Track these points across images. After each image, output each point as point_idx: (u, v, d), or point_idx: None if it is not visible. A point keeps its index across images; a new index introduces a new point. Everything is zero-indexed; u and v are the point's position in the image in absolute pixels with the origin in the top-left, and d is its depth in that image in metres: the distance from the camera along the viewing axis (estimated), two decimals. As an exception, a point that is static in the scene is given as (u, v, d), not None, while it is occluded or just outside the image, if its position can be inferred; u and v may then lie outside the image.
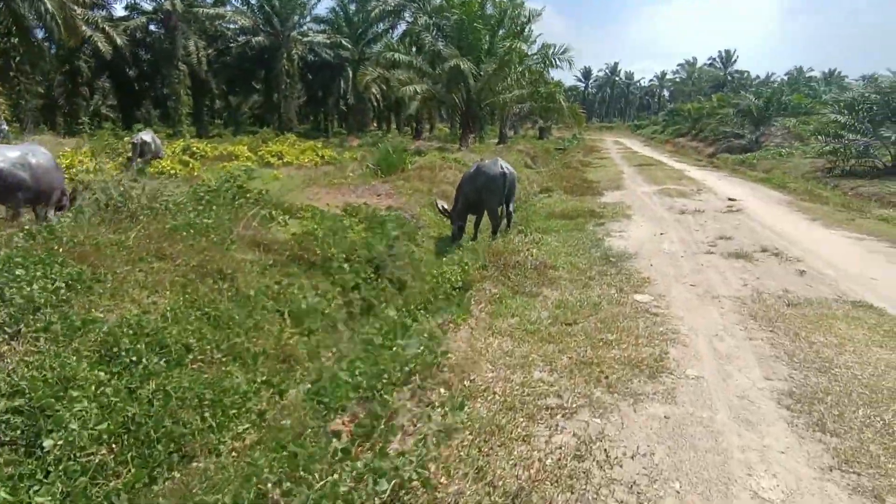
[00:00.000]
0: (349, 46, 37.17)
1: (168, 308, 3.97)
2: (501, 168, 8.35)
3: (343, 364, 3.46)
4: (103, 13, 31.01)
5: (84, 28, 26.36)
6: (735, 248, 7.57)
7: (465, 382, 3.63)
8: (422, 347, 3.81)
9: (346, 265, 6.12)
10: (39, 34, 20.94)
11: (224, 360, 3.82)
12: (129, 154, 14.45)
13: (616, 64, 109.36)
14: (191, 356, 3.66)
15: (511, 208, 8.89)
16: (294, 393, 3.70)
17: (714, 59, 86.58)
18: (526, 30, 24.65)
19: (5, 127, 19.68)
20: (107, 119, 44.73)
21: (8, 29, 23.15)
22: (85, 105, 33.85)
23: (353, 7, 37.17)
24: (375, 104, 49.00)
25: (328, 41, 37.96)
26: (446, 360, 3.78)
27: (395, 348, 3.75)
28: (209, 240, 5.33)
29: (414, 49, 24.87)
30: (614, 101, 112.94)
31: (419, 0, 27.96)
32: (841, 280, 6.16)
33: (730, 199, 12.08)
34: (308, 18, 38.12)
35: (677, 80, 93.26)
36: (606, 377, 3.79)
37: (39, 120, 30.22)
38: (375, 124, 56.46)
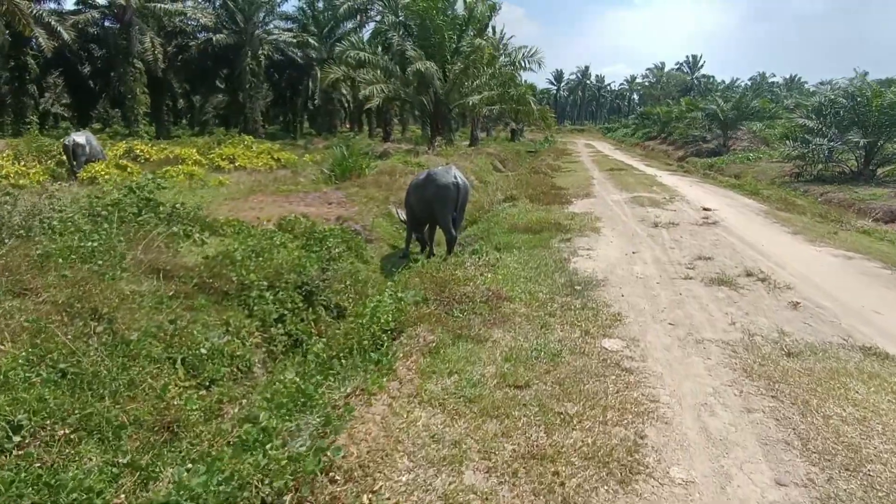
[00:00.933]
0: (316, 45, 36.09)
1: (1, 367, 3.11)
2: (454, 178, 7.63)
3: (191, 476, 2.44)
4: (50, 6, 29.22)
5: (24, 21, 24.75)
6: (716, 272, 6.71)
7: (364, 499, 2.56)
8: (309, 442, 2.77)
9: (267, 293, 5.30)
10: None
11: (73, 437, 2.98)
12: (64, 157, 13.28)
13: (587, 67, 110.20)
14: (19, 437, 2.81)
15: (455, 231, 7.94)
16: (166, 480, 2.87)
17: (681, 64, 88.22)
18: (490, 24, 24.07)
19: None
20: (62, 118, 42.74)
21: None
22: (33, 104, 31.92)
23: (320, 4, 36.10)
24: (346, 105, 48.04)
25: (294, 40, 36.81)
26: (341, 461, 2.73)
27: (272, 444, 2.59)
28: (90, 268, 4.45)
29: (380, 49, 24.04)
30: (586, 103, 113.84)
31: (386, -3, 27.15)
32: (842, 315, 5.36)
33: (705, 209, 11.60)
34: (273, 16, 36.86)
35: (646, 83, 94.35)
36: (562, 484, 2.75)
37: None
38: (348, 125, 55.48)
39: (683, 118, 38.11)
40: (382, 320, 4.77)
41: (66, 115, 41.49)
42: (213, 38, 33.27)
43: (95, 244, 4.70)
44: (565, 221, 9.95)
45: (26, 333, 3.49)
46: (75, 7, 30.63)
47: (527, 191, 13.93)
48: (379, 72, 21.18)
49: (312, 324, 5.53)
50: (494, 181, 16.86)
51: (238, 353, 4.55)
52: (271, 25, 37.00)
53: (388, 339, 4.64)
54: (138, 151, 15.58)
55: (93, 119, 40.67)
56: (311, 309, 5.69)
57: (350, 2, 30.75)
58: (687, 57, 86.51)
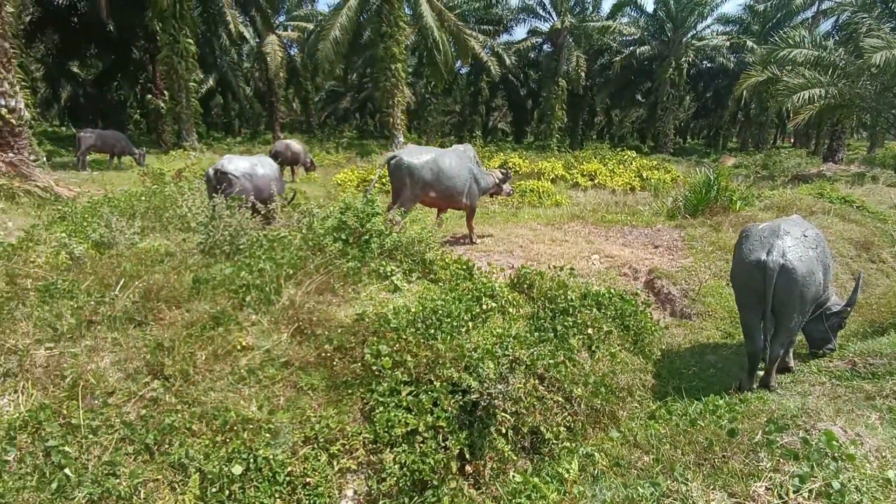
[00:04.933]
0: (755, 47, 30.24)
1: None
2: (770, 251, 4.05)
3: None
4: (503, 38, 34.50)
5: (481, 53, 29.90)
6: None
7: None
8: None
9: (405, 390, 3.55)
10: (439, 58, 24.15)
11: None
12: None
13: None
14: None
15: (776, 349, 4.26)
16: None
17: None
18: None
19: (401, 139, 23.91)
20: (504, 133, 51.17)
21: (420, 58, 28.41)
22: (480, 121, 39.04)
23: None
24: (787, 115, 39.24)
25: (728, 43, 32.02)
26: None
27: None
28: (224, 306, 3.78)
29: (831, 42, 17.63)
30: None
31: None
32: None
33: None
34: (709, 20, 32.86)
35: None
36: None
37: (443, 132, 36.39)
38: (791, 140, 45.57)
39: None
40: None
41: (506, 130, 49.37)
42: (637, 51, 32.33)
43: (250, 276, 4.04)
44: None
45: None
46: (523, 37, 35.16)
47: None
48: (818, 70, 15.33)
49: (465, 455, 3.45)
50: None
51: (309, 480, 3.04)
52: (702, 30, 33.14)
53: None
54: (511, 164, 16.05)
55: (527, 134, 46.95)
56: (473, 429, 3.59)
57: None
58: None
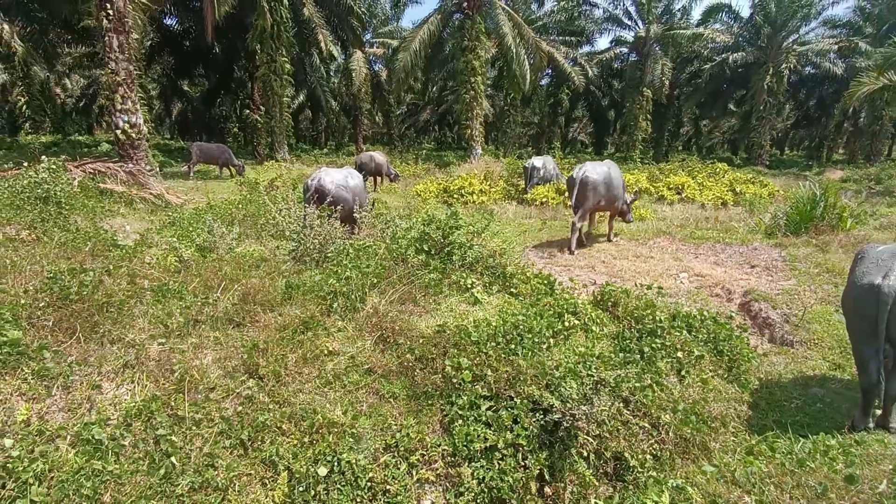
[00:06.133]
0: (869, 50, 27.56)
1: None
2: (889, 277, 3.55)
3: None
4: (585, 49, 33.85)
5: (563, 64, 29.52)
6: None
7: None
8: None
9: (485, 405, 3.52)
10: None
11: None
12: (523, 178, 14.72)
13: None
14: None
15: (895, 386, 3.74)
16: None
17: None
18: None
19: (479, 151, 24.06)
20: (584, 145, 50.08)
21: (500, 70, 28.50)
22: (559, 132, 38.46)
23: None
24: (905, 124, 35.23)
25: (836, 47, 29.40)
26: None
27: None
28: (313, 311, 3.96)
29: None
30: None
31: None
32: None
33: None
34: (814, 23, 30.38)
35: None
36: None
37: (521, 144, 36.20)
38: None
39: None
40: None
41: (586, 141, 48.31)
42: (730, 59, 30.50)
43: (339, 284, 4.19)
44: None
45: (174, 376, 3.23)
46: (607, 47, 34.31)
47: None
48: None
49: (545, 476, 3.37)
50: None
51: (389, 488, 3.10)
52: (808, 33, 30.66)
53: None
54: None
55: (608, 145, 45.64)
56: (554, 450, 3.50)
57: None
58: None
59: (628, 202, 9.07)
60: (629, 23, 31.36)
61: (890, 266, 3.71)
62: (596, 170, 8.26)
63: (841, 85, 32.04)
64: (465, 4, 22.15)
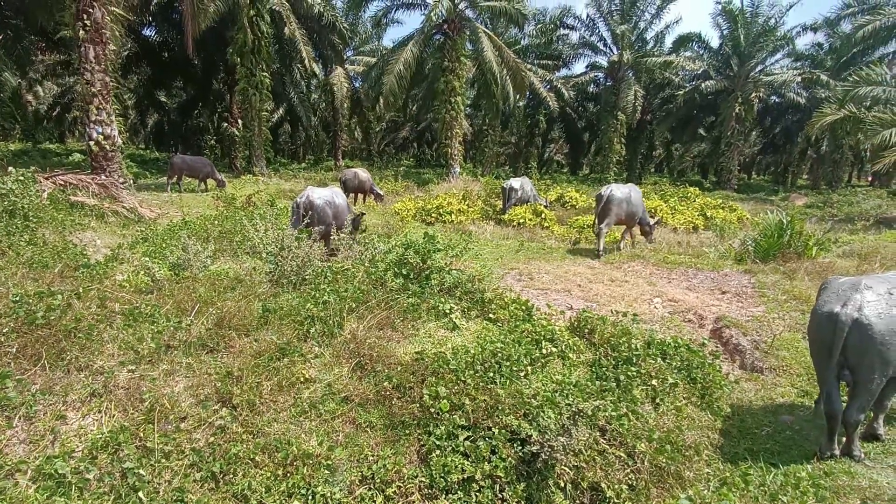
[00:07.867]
0: (829, 82, 28.89)
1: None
2: (846, 306, 3.76)
3: None
4: (563, 73, 34.68)
5: (539, 87, 30.15)
6: None
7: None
8: None
9: (463, 435, 3.50)
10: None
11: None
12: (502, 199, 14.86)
13: None
14: None
15: (853, 412, 3.86)
16: None
17: None
18: None
19: (457, 169, 24.27)
20: (559, 165, 50.93)
21: (479, 91, 28.96)
22: (536, 152, 39.04)
23: (845, 27, 28.63)
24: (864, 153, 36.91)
25: (799, 78, 30.74)
26: None
27: None
28: (289, 336, 3.91)
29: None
30: None
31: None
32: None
33: None
34: (779, 55, 31.76)
35: None
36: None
37: (498, 163, 36.60)
38: (869, 178, 42.91)
39: None
40: None
41: (562, 161, 49.18)
42: (701, 86, 31.61)
43: (314, 308, 4.15)
44: None
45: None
46: (583, 71, 35.19)
47: None
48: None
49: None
50: None
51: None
52: (774, 64, 32.00)
53: None
54: (567, 198, 15.89)
55: (583, 166, 46.52)
56: (532, 481, 3.49)
57: (880, 19, 22.81)
58: None
59: (651, 224, 10.63)
60: (604, 49, 32.29)
61: (849, 296, 3.88)
62: (620, 190, 9.87)
63: (804, 114, 33.45)
64: (446, 26, 22.50)
